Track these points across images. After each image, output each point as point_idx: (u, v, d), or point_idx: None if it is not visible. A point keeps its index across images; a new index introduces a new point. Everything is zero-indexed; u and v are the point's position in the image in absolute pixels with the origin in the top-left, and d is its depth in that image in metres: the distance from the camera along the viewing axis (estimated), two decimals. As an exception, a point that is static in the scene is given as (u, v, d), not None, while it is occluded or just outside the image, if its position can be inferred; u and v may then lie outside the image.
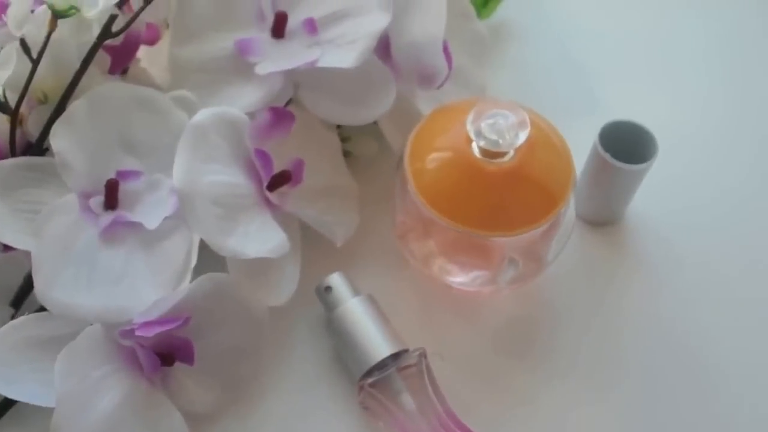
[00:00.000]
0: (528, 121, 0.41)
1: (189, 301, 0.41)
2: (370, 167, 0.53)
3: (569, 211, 0.46)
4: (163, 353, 0.42)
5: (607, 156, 0.48)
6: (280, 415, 0.46)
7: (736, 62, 0.61)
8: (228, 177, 0.43)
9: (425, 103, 0.49)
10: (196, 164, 0.41)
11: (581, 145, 0.48)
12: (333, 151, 0.51)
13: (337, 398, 0.46)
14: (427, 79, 0.47)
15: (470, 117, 0.42)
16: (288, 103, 0.48)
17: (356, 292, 0.47)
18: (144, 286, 0.41)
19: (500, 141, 0.41)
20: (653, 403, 0.47)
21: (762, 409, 0.47)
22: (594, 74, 0.60)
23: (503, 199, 0.43)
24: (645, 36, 0.62)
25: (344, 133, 0.53)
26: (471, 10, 0.53)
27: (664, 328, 0.50)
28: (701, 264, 0.52)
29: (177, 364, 0.43)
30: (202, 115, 0.43)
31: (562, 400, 0.47)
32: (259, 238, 0.43)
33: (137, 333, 0.40)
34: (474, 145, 0.42)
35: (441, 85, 0.47)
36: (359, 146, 0.53)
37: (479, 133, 0.41)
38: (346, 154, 0.52)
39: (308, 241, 0.48)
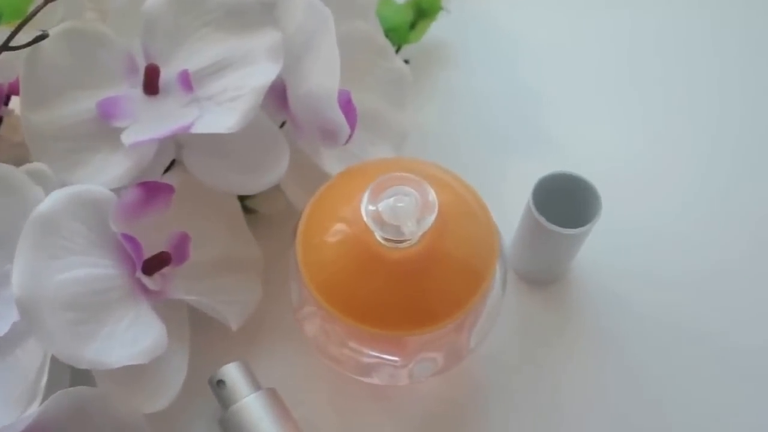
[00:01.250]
0: (435, 201, 0.35)
1: (42, 424, 0.35)
2: (280, 226, 0.47)
3: (495, 288, 0.39)
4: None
5: (542, 219, 0.41)
6: None
7: (696, 101, 0.54)
8: (88, 270, 0.37)
9: (333, 161, 0.43)
10: (41, 264, 0.35)
11: (521, 189, 0.42)
12: (231, 214, 0.44)
13: None
14: (329, 135, 0.40)
15: (365, 199, 0.35)
16: (171, 165, 0.41)
17: (255, 385, 0.41)
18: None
19: (402, 228, 0.35)
20: None
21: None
22: (538, 103, 0.53)
23: (412, 290, 0.37)
24: (597, 59, 0.55)
25: (248, 189, 0.46)
26: (387, 46, 0.46)
27: (608, 403, 0.44)
28: (656, 323, 0.46)
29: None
30: (51, 200, 0.36)
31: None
32: (127, 339, 0.37)
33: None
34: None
35: (346, 142, 0.41)
36: (265, 203, 0.46)
37: (378, 221, 0.35)
38: (251, 212, 0.46)
39: (203, 323, 0.42)
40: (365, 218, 0.35)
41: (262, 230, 0.45)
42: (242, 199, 0.46)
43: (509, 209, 0.43)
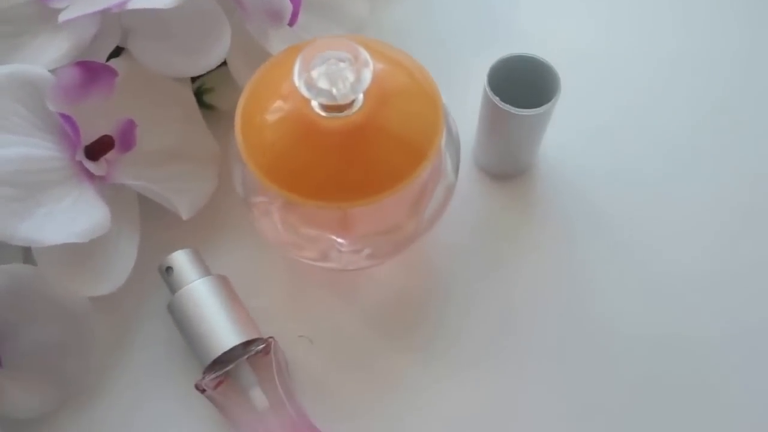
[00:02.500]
0: (368, 61, 0.34)
1: (-22, 300, 0.35)
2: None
3: (446, 171, 0.38)
4: (-37, 357, 0.36)
5: (497, 100, 0.40)
6: (119, 416, 0.40)
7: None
8: (26, 149, 0.36)
9: (282, 43, 0.42)
10: (-26, 138, 0.35)
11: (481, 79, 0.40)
12: (185, 105, 0.43)
13: (184, 394, 0.40)
14: (273, 15, 0.39)
15: (297, 66, 0.34)
16: (119, 53, 0.41)
17: (204, 271, 0.40)
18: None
19: (335, 92, 0.33)
20: (559, 384, 0.40)
21: (674, 375, 0.40)
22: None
23: (352, 162, 0.35)
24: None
25: (206, 84, 0.45)
26: None
27: (563, 298, 0.43)
28: (620, 219, 0.44)
29: (-14, 367, 0.37)
30: (-14, 77, 0.35)
31: (450, 385, 0.40)
32: (66, 219, 0.36)
33: None
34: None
35: (292, 23, 0.40)
36: (223, 98, 0.46)
37: (312, 87, 0.33)
38: (209, 108, 0.45)
39: (157, 213, 0.41)
40: (298, 85, 0.33)
41: (222, 128, 0.44)
42: (200, 94, 0.45)
43: (471, 101, 0.42)
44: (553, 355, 0.41)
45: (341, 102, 0.34)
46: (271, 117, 0.36)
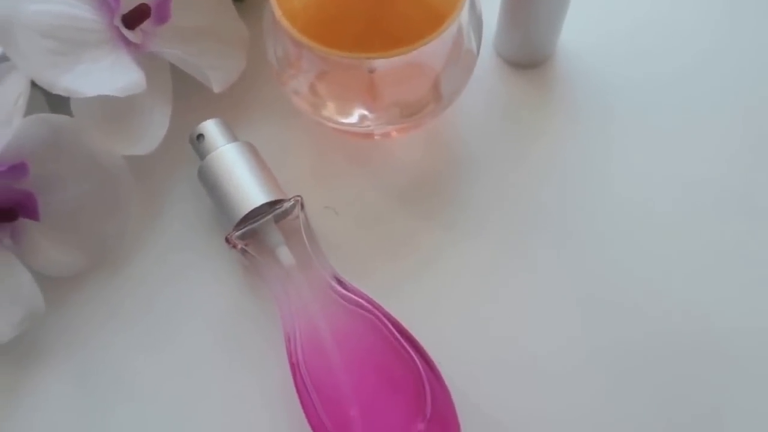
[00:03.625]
0: None
1: (20, 145, 0.37)
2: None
3: (468, 44, 0.39)
4: (3, 208, 0.38)
5: (518, -25, 0.41)
6: (150, 278, 0.42)
7: None
8: (64, 7, 0.38)
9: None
10: (16, -11, 0.36)
11: None
12: (216, -10, 0.45)
13: (216, 257, 0.42)
14: None
15: None
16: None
17: (233, 138, 0.42)
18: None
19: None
20: (575, 258, 0.41)
21: (690, 254, 0.41)
22: None
23: (382, 15, 0.37)
24: None
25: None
26: None
27: (589, 177, 0.44)
28: (636, 110, 0.45)
29: (23, 221, 0.38)
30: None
31: (469, 259, 0.42)
32: (104, 76, 0.38)
33: (-41, 178, 0.35)
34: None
35: None
36: (251, -13, 0.47)
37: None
38: (238, -1, 0.47)
39: (186, 88, 0.43)
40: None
41: (250, 17, 0.46)
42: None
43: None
44: (560, 230, 0.42)
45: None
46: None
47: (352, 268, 0.40)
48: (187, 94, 0.43)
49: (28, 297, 0.38)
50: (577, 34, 0.46)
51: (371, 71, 0.38)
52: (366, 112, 0.40)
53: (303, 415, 0.36)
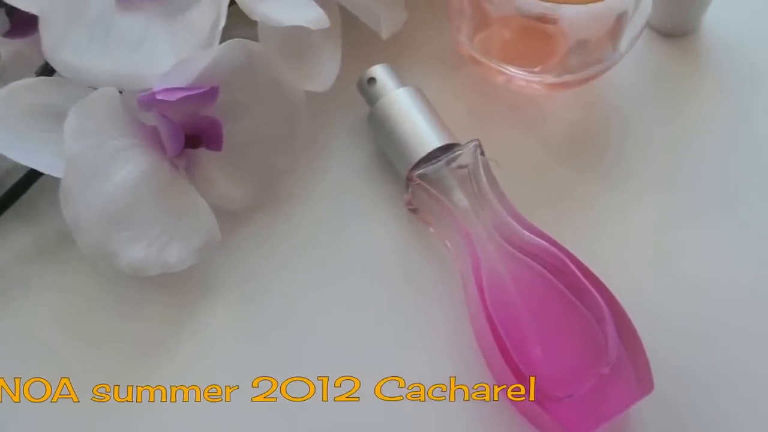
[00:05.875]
0: None
1: (216, 69, 0.36)
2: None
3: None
4: (188, 134, 0.37)
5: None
6: (316, 219, 0.41)
7: None
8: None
9: None
10: None
11: None
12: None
13: (380, 201, 0.42)
14: None
15: None
16: None
17: (402, 83, 0.42)
18: (165, 52, 0.37)
19: None
20: (723, 210, 0.42)
21: None
22: None
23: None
24: None
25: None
26: None
27: (737, 142, 0.44)
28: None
29: (202, 151, 0.38)
30: None
31: (627, 208, 0.42)
32: (294, 7, 0.38)
33: (158, 97, 0.35)
34: None
35: None
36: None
37: None
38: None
39: (351, 36, 0.43)
40: None
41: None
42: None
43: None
44: (728, 195, 0.43)
45: None
46: None
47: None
48: (351, 42, 0.43)
49: (206, 226, 0.38)
50: (725, 4, 0.47)
51: (554, 21, 0.38)
52: (541, 63, 0.40)
53: (473, 356, 0.37)
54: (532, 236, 0.38)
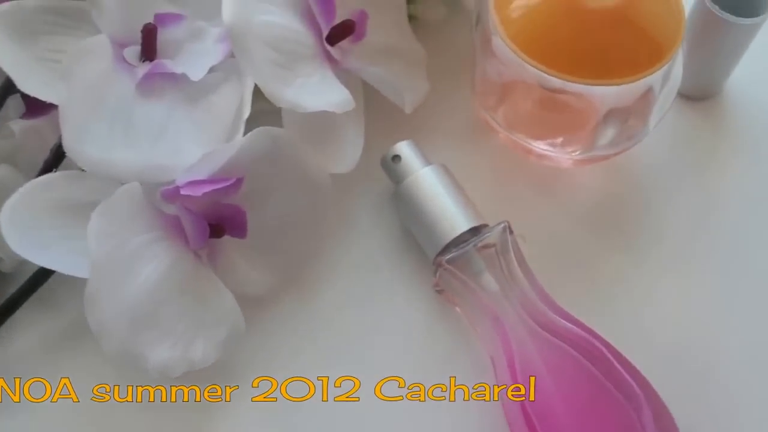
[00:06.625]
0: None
1: (241, 159, 0.35)
2: (438, 34, 0.47)
3: (676, 69, 0.39)
4: (211, 223, 0.36)
5: (715, 8, 0.41)
6: (343, 300, 0.40)
7: None
8: (285, 20, 0.37)
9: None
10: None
11: None
12: (397, 9, 0.44)
13: (406, 281, 0.41)
14: None
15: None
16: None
17: (427, 161, 0.41)
18: (188, 143, 0.36)
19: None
20: (748, 285, 0.41)
21: None
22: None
23: (603, 44, 0.37)
24: None
25: (409, -6, 0.46)
26: None
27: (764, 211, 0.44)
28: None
29: (226, 238, 0.37)
30: (254, -55, 0.36)
31: (653, 281, 0.41)
32: (319, 91, 0.37)
33: (183, 192, 0.34)
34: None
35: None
36: (426, 10, 0.47)
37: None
38: (411, 18, 0.46)
39: (372, 110, 0.42)
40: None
41: (421, 36, 0.45)
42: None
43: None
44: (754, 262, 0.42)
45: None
46: (523, 2, 0.38)
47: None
48: (372, 115, 0.42)
49: (230, 316, 0.37)
50: (750, 68, 0.46)
51: (578, 94, 0.38)
52: (579, 138, 0.40)
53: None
54: (564, 321, 0.37)
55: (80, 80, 0.35)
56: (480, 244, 0.38)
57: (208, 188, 0.34)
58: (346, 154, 0.40)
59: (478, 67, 0.41)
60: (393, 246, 0.42)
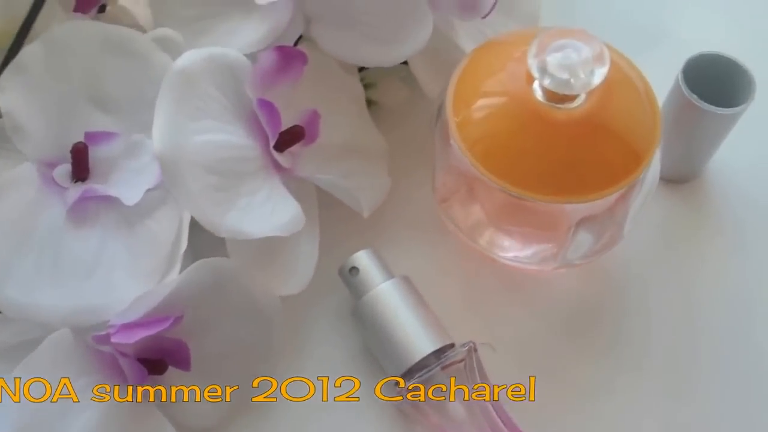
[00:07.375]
0: (607, 54, 0.32)
1: (180, 295, 0.33)
2: (401, 119, 0.44)
3: (653, 168, 0.36)
4: (151, 359, 0.34)
5: (694, 97, 0.39)
6: (299, 425, 0.38)
7: None
8: (225, 136, 0.34)
9: (467, 38, 0.40)
10: (181, 121, 0.32)
11: (655, 85, 0.38)
12: (355, 100, 0.42)
13: (367, 400, 0.38)
14: (469, 6, 0.38)
15: (532, 50, 0.32)
16: (297, 42, 0.39)
17: (388, 273, 0.38)
18: (123, 278, 0.33)
19: (572, 80, 0.32)
20: (735, 404, 0.39)
21: None
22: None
23: (572, 155, 0.34)
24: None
25: (368, 79, 0.44)
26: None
27: (750, 308, 0.41)
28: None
29: (171, 369, 0.34)
30: (188, 58, 0.34)
31: (631, 395, 0.39)
32: (265, 212, 0.34)
33: (114, 340, 0.31)
34: (536, 86, 0.33)
35: (487, 15, 0.38)
36: (386, 94, 0.44)
37: (544, 70, 0.32)
38: (371, 104, 0.44)
39: (329, 212, 0.39)
40: (532, 68, 0.32)
41: (382, 123, 0.43)
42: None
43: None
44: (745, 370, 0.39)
45: (571, 92, 0.32)
46: (485, 106, 0.35)
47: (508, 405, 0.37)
48: (327, 220, 0.39)
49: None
50: (730, 152, 0.44)
51: (560, 211, 0.35)
52: (548, 247, 0.37)
53: None
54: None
55: (3, 216, 0.32)
56: (445, 365, 0.36)
57: (142, 333, 0.31)
58: (298, 272, 0.37)
59: (438, 165, 0.38)
60: (354, 364, 0.39)
